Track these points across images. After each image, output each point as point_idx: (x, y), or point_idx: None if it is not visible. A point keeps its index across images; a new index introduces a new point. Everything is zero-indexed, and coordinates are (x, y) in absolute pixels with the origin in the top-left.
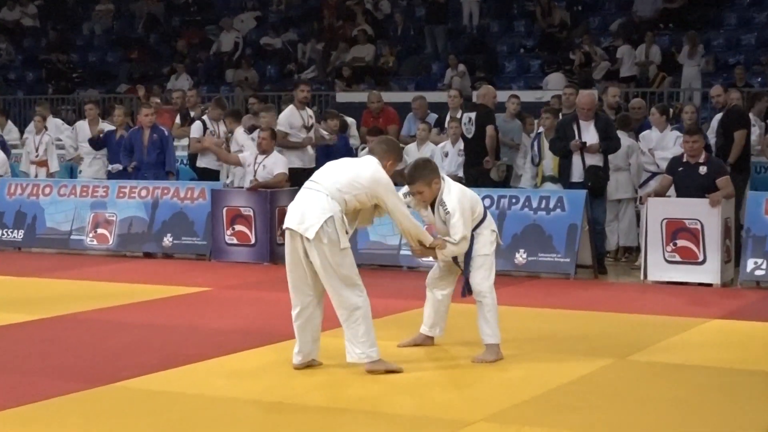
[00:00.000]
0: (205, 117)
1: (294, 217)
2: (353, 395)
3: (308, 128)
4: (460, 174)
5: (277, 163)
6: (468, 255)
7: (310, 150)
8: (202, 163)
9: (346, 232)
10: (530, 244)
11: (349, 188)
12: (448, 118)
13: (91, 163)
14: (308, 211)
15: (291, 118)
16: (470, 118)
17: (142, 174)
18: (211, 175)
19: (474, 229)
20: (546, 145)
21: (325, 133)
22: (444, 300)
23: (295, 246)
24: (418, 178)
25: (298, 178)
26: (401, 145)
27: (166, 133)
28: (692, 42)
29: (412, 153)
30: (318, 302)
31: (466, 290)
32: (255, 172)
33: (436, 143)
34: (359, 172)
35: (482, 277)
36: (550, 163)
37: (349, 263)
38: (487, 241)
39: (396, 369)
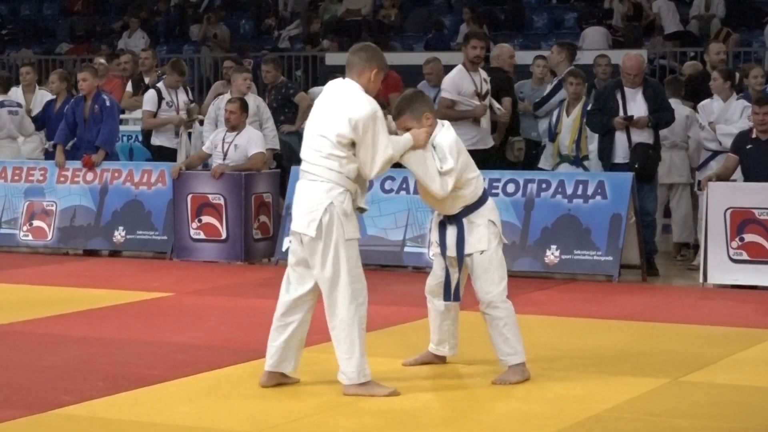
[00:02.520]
0: (161, 84)
1: (297, 216)
2: (341, 427)
3: (482, 96)
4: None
5: (253, 141)
6: (460, 249)
7: (483, 123)
8: (157, 140)
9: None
10: (564, 240)
11: (340, 149)
12: None
13: (25, 140)
14: (306, 204)
15: (460, 81)
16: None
17: (81, 154)
18: (168, 155)
19: (466, 215)
20: (565, 116)
21: (497, 105)
22: (449, 312)
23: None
24: (405, 110)
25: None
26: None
27: (108, 102)
28: None
29: (393, 124)
30: (312, 307)
31: (451, 295)
32: (225, 154)
33: None
34: (345, 117)
35: (491, 282)
36: (566, 137)
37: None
38: (484, 235)
39: (390, 393)
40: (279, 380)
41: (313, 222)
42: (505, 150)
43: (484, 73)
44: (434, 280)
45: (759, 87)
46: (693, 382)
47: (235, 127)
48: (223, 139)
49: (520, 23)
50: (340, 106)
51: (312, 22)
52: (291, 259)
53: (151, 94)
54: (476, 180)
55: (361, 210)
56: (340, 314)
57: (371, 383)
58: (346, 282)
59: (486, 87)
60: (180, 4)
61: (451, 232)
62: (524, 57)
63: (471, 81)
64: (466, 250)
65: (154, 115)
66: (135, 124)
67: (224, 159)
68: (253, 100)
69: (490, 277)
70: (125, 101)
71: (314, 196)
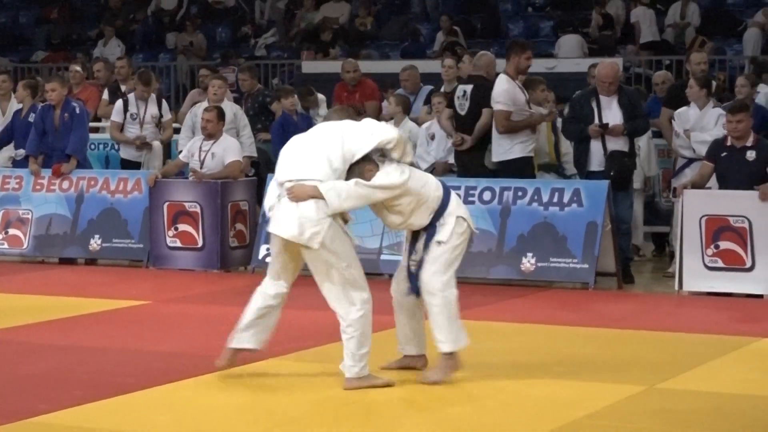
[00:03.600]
0: (131, 95)
1: (287, 223)
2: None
3: (530, 104)
4: (452, 160)
5: (230, 149)
6: (426, 243)
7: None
8: (123, 153)
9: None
10: (540, 247)
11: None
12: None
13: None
14: (306, 214)
15: (513, 91)
16: (465, 92)
17: (53, 162)
18: (132, 167)
19: (437, 219)
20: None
21: (543, 110)
22: (416, 312)
23: (288, 247)
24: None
25: (520, 165)
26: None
27: (77, 110)
28: None
29: None
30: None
31: (413, 287)
32: (202, 162)
33: (423, 123)
34: (351, 138)
35: (434, 271)
36: (544, 146)
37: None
38: (449, 230)
39: (386, 383)
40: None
41: (317, 235)
42: (484, 157)
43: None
44: (400, 274)
45: (745, 96)
46: (669, 389)
47: (212, 135)
48: (200, 148)
49: (497, 32)
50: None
51: (288, 30)
52: (273, 251)
53: (119, 104)
54: (434, 184)
55: (345, 220)
56: (351, 315)
57: (369, 376)
58: (352, 286)
59: (527, 95)
60: (156, 12)
61: (423, 235)
62: (501, 65)
63: (520, 90)
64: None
65: (121, 126)
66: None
67: (201, 167)
68: (230, 108)
69: (435, 267)
70: (101, 109)
71: (311, 207)
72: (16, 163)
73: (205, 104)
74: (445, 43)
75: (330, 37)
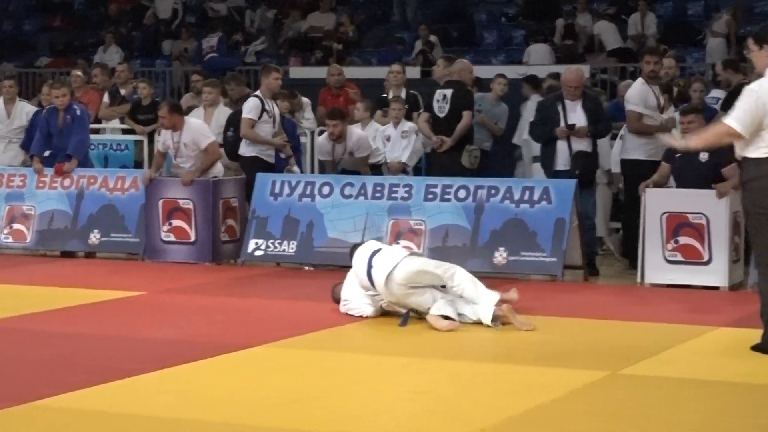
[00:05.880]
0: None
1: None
2: (318, 416)
3: (661, 109)
4: (405, 159)
5: (198, 133)
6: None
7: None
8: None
9: None
10: (512, 242)
11: None
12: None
13: (6, 148)
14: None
15: (645, 94)
16: (445, 96)
17: (56, 162)
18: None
19: None
20: None
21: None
22: None
23: None
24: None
25: (641, 170)
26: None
27: (79, 112)
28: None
29: (355, 134)
30: None
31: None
32: (176, 153)
33: (383, 125)
34: None
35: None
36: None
37: None
38: None
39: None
40: None
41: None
42: (461, 157)
43: (657, 88)
44: None
45: (698, 100)
46: (632, 374)
47: (174, 127)
48: (172, 140)
49: (472, 40)
50: None
51: (277, 38)
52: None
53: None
54: None
55: None
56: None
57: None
58: None
59: (662, 101)
60: (153, 20)
61: None
62: (476, 71)
63: (653, 94)
64: None
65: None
66: (111, 133)
67: (176, 158)
68: (224, 113)
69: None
70: (102, 111)
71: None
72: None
73: (200, 110)
74: (419, 51)
75: (341, 47)
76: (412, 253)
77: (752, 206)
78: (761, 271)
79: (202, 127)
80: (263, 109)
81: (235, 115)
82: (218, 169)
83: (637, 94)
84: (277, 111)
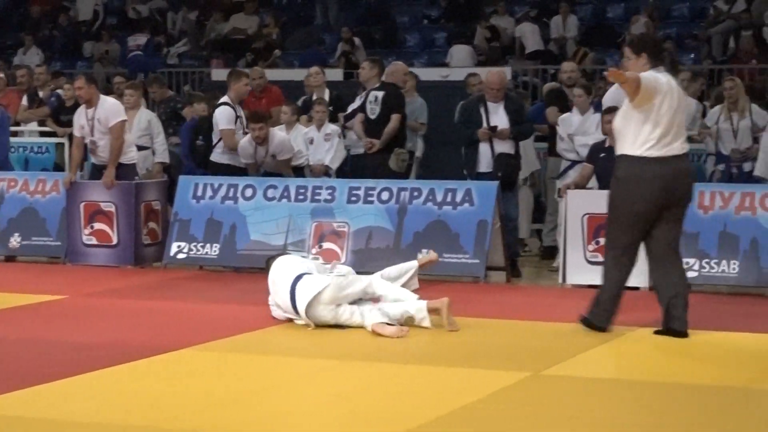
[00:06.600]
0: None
1: None
2: (241, 419)
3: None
4: (328, 162)
5: (111, 111)
6: None
7: None
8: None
9: None
10: (435, 244)
11: None
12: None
13: None
14: None
15: (622, 96)
16: (377, 97)
17: None
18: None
19: None
20: None
21: None
22: None
23: None
24: None
25: None
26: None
27: None
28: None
29: (277, 137)
30: None
31: None
32: (92, 131)
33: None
34: None
35: None
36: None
37: None
38: None
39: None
40: None
41: None
42: (389, 160)
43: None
44: None
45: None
46: (553, 375)
47: (89, 102)
48: (86, 117)
49: (394, 42)
50: None
51: (199, 40)
52: None
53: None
54: None
55: None
56: None
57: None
58: None
59: None
60: (73, 22)
61: None
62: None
63: None
64: None
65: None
66: (30, 136)
67: (92, 135)
68: (146, 116)
69: None
70: (21, 114)
71: None
72: None
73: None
74: (340, 53)
75: (278, 52)
76: (337, 275)
77: (621, 201)
78: (612, 255)
79: (115, 104)
80: (236, 116)
81: (202, 122)
82: (131, 155)
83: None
84: (243, 117)
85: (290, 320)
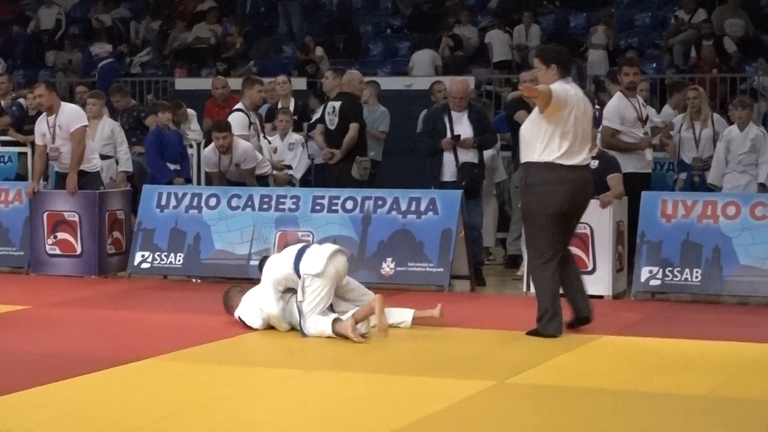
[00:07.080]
0: None
1: None
2: (203, 428)
3: (643, 121)
4: (291, 171)
5: (72, 118)
6: None
7: (648, 154)
8: None
9: None
10: (399, 253)
11: None
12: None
13: None
14: None
15: (624, 109)
16: (334, 108)
17: None
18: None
19: None
20: None
21: (658, 121)
22: None
23: None
24: None
25: (633, 183)
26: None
27: None
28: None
29: (241, 146)
30: None
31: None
32: (53, 138)
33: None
34: None
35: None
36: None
37: None
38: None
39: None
40: None
41: None
42: (351, 169)
43: (641, 99)
44: None
45: None
46: (518, 383)
47: (50, 109)
48: (47, 124)
49: (357, 51)
50: None
51: (162, 49)
52: None
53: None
54: None
55: None
56: None
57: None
58: None
59: (645, 112)
60: (36, 31)
61: None
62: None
63: (632, 107)
64: None
65: None
66: None
67: (53, 142)
68: (108, 125)
69: None
70: None
71: None
72: None
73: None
74: (299, 62)
75: (252, 63)
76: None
77: (535, 206)
78: (539, 263)
79: (76, 110)
80: (250, 123)
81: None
82: (95, 162)
83: (614, 109)
84: (258, 123)
85: (252, 329)
